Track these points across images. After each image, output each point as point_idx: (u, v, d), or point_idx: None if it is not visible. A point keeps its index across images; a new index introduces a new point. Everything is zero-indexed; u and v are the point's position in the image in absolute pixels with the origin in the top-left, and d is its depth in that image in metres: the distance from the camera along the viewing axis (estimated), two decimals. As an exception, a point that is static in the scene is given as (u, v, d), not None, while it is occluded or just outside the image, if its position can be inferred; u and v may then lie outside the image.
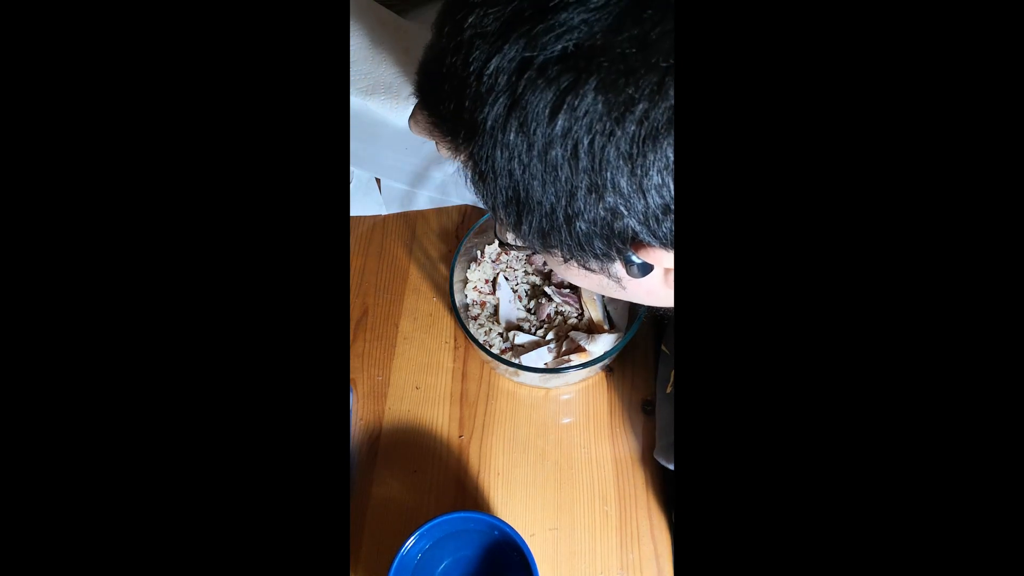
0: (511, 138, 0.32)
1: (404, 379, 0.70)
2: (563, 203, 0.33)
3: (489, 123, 0.32)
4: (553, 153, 0.31)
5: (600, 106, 0.29)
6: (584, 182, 0.32)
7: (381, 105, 0.86)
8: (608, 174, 0.31)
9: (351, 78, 0.87)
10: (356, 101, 0.87)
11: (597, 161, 0.31)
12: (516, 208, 0.35)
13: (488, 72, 0.31)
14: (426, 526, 0.55)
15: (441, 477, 0.65)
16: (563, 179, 0.32)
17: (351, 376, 0.70)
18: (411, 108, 0.86)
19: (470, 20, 0.32)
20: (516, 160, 0.33)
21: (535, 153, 0.32)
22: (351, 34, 0.91)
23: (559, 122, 0.30)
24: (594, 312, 0.67)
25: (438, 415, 0.68)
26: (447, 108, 0.35)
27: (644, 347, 0.70)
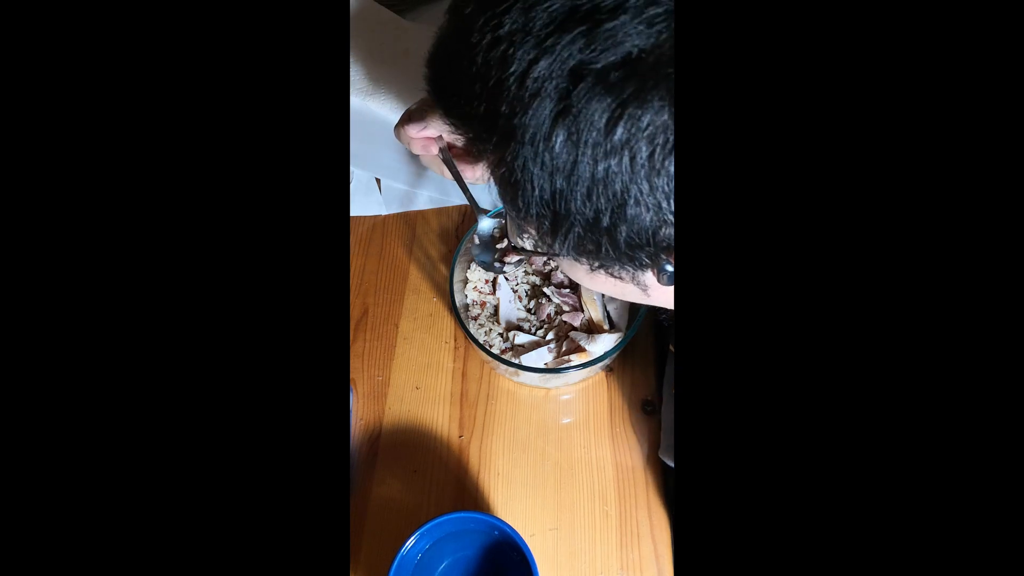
0: (556, 146, 0.30)
1: (404, 379, 0.70)
2: (609, 212, 0.31)
3: (531, 130, 0.30)
4: (606, 164, 0.29)
5: (666, 117, 0.28)
6: (635, 192, 0.30)
7: (381, 105, 0.86)
8: (665, 184, 0.29)
9: (351, 78, 0.87)
10: (356, 101, 0.87)
11: (655, 172, 0.29)
12: (552, 217, 0.33)
13: (534, 75, 0.29)
14: (426, 526, 0.54)
15: (441, 477, 0.65)
16: (614, 190, 0.30)
17: (351, 376, 0.70)
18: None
19: (512, 14, 0.29)
20: (560, 170, 0.30)
21: (585, 162, 0.30)
22: (351, 34, 0.91)
23: (617, 132, 0.28)
24: (594, 312, 0.67)
25: (438, 415, 0.68)
26: (475, 109, 0.32)
27: (644, 347, 0.70)
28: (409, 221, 0.81)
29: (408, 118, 0.62)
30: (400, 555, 0.54)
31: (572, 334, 0.66)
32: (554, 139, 0.30)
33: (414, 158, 0.81)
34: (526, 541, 0.53)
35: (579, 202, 0.31)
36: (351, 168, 0.83)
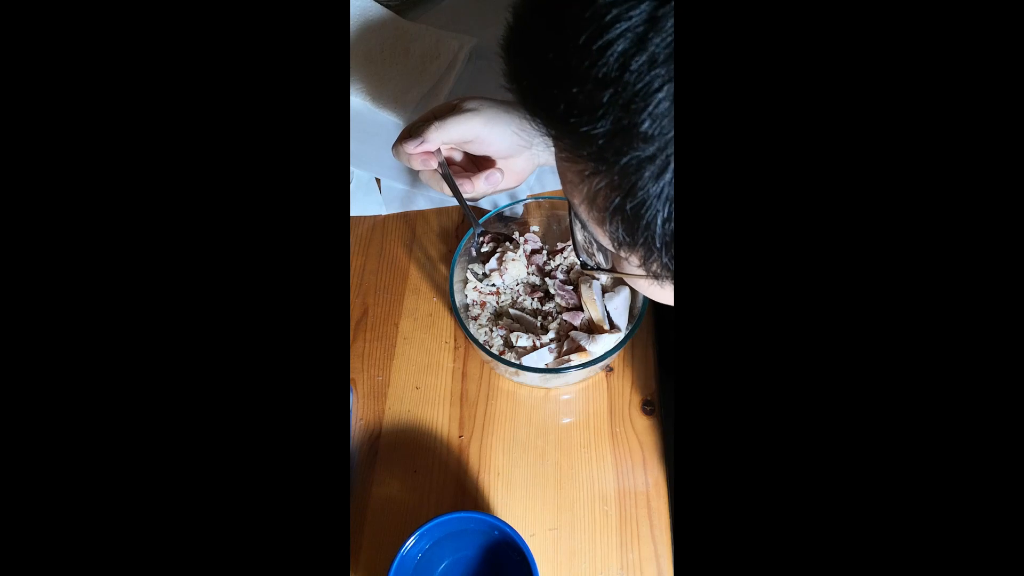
0: None
1: (404, 379, 0.70)
2: None
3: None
4: None
5: None
6: None
7: (381, 105, 0.86)
8: None
9: (351, 78, 0.87)
10: (356, 101, 0.87)
11: None
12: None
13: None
14: (426, 526, 0.54)
15: (441, 477, 0.65)
16: None
17: (351, 376, 0.70)
18: (411, 108, 0.86)
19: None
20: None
21: None
22: (351, 34, 0.91)
23: None
24: (594, 312, 0.67)
25: (438, 415, 0.68)
26: (596, 124, 0.28)
27: (644, 347, 0.70)
28: (409, 221, 0.81)
29: (407, 135, 0.63)
30: (400, 555, 0.54)
31: (572, 334, 0.66)
32: None
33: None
34: (526, 541, 0.53)
35: None
36: (351, 168, 0.83)
